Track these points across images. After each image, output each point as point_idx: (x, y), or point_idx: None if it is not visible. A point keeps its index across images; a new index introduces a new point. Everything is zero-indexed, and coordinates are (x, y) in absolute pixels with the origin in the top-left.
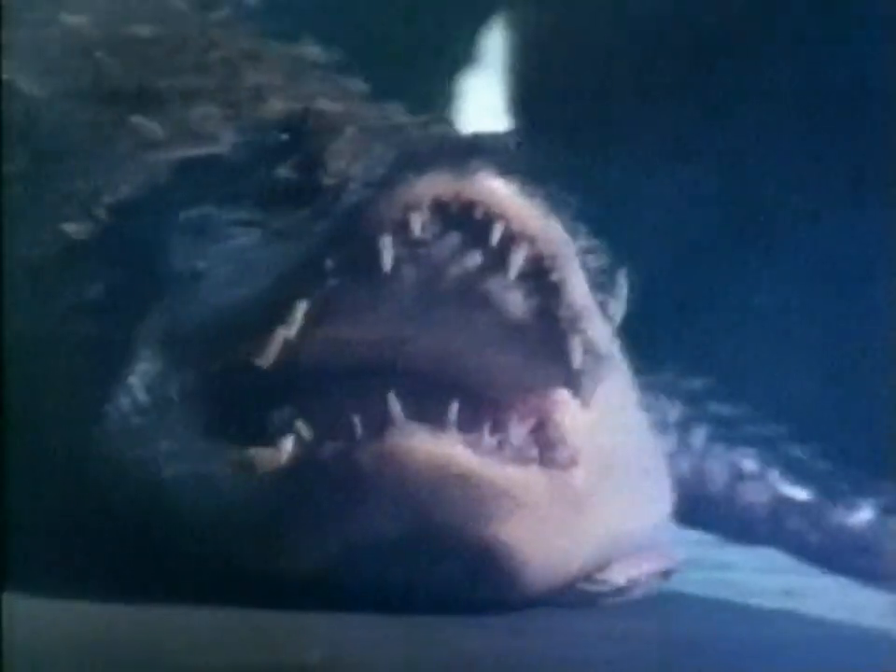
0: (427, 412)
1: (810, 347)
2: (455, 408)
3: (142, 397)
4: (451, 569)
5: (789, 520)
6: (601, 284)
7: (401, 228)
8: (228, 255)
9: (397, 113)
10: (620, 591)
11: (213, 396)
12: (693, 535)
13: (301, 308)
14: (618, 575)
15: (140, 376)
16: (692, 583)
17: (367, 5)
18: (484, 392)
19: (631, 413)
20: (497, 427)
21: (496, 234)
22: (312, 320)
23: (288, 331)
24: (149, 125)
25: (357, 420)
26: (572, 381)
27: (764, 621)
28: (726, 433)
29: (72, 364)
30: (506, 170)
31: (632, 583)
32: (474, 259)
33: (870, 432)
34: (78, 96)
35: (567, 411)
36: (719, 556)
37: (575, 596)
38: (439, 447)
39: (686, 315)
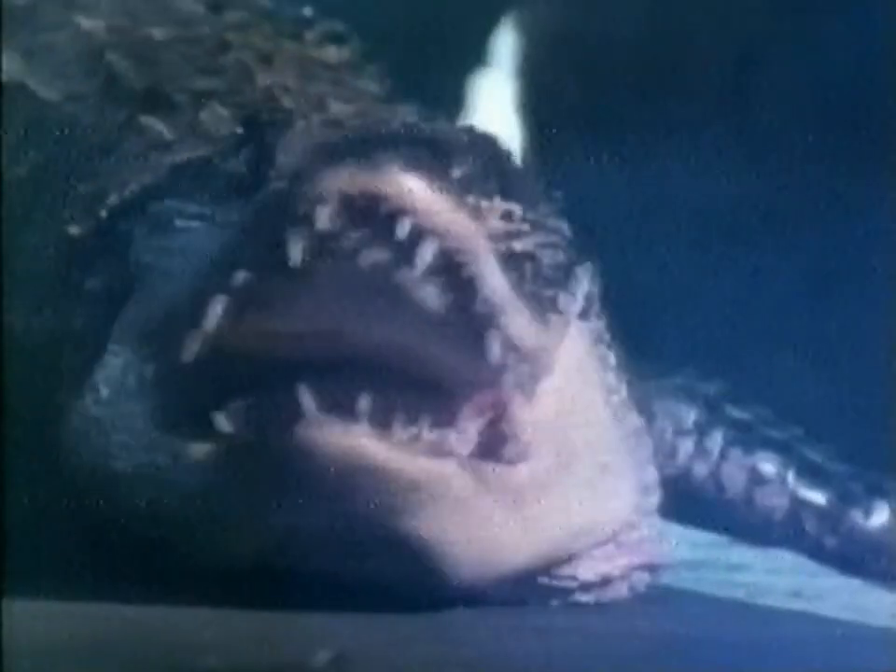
0: (340, 404)
1: (826, 350)
2: (365, 400)
3: (104, 391)
4: (375, 563)
5: (805, 523)
6: (556, 279)
7: (309, 222)
8: (177, 249)
9: (409, 114)
10: (590, 586)
11: (159, 389)
12: (709, 537)
13: (219, 303)
14: (585, 570)
15: (104, 370)
16: (705, 583)
17: (383, 6)
18: (400, 386)
19: (594, 408)
20: (413, 421)
21: (402, 229)
22: (234, 314)
23: (207, 326)
24: (157, 126)
25: (271, 413)
26: (492, 376)
27: (775, 620)
28: (743, 437)
29: (49, 359)
30: (415, 164)
31: (604, 579)
32: (383, 253)
33: (886, 434)
34: (90, 98)
35: (523, 406)
36: (732, 557)
37: (536, 591)
38: (347, 439)
39: (702, 319)
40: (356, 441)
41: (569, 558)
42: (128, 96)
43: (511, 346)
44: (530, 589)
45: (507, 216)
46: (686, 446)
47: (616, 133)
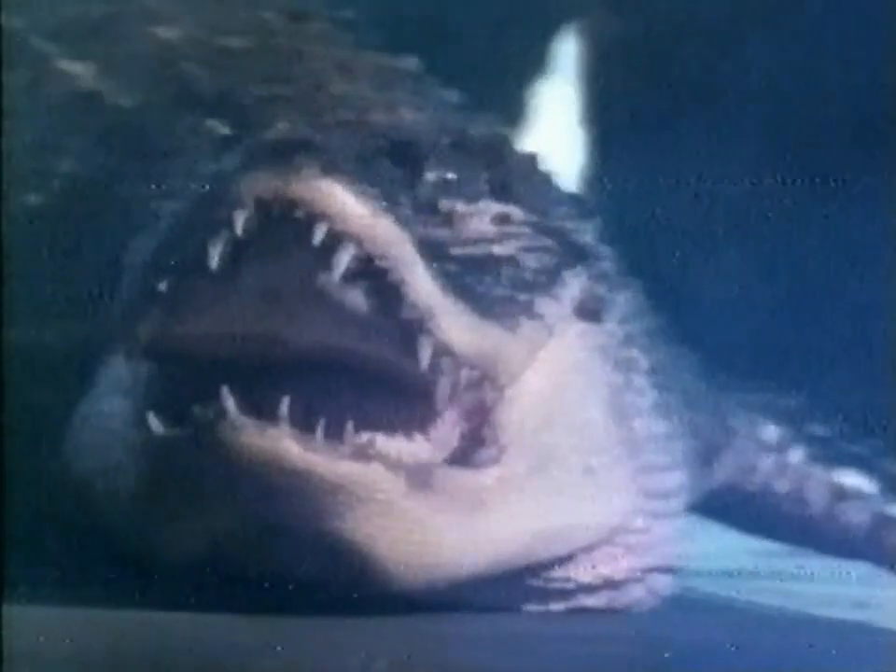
0: (261, 407)
1: None
2: (285, 403)
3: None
4: (303, 564)
5: (887, 536)
6: (537, 283)
7: (228, 226)
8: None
9: (486, 124)
10: (593, 589)
11: (110, 390)
12: (781, 548)
13: (154, 305)
14: (581, 572)
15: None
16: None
17: (461, 19)
18: (328, 390)
19: (588, 411)
20: (337, 425)
21: (318, 234)
22: (167, 316)
23: (144, 328)
24: (220, 128)
25: (196, 414)
26: (425, 381)
27: (834, 630)
28: (823, 452)
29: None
30: (333, 169)
31: (607, 581)
32: (303, 258)
33: None
34: (162, 104)
35: (500, 409)
36: (801, 567)
37: (525, 593)
38: (266, 442)
39: (780, 335)
40: (275, 443)
41: (561, 561)
42: (197, 101)
43: (444, 351)
44: (522, 592)
45: (501, 218)
46: (766, 462)
47: (679, 140)
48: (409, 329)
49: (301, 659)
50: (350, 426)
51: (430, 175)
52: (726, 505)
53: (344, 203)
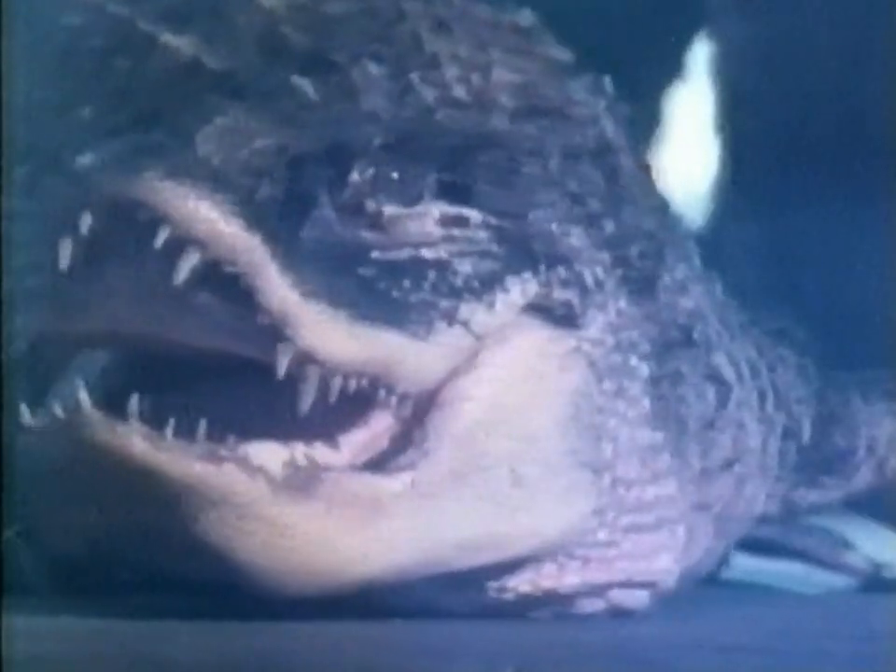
0: (114, 404)
1: None
2: (135, 400)
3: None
4: (174, 568)
5: None
6: (467, 288)
7: (75, 226)
8: None
9: (579, 90)
10: (533, 600)
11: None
12: None
13: (34, 302)
14: (518, 583)
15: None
16: None
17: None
18: (184, 391)
19: (536, 419)
20: (191, 426)
21: (159, 238)
22: (47, 312)
23: (31, 324)
24: (304, 86)
25: (56, 408)
26: (284, 387)
27: None
28: None
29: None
30: (176, 172)
31: (548, 593)
32: (149, 261)
33: None
34: (256, 67)
35: (433, 415)
36: None
37: (470, 603)
38: (116, 439)
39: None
40: (123, 440)
41: (496, 571)
42: (288, 61)
43: (307, 359)
44: (445, 601)
45: (451, 221)
46: None
47: (817, 151)
48: (269, 335)
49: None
50: (203, 426)
51: (355, 176)
52: None
53: (189, 206)
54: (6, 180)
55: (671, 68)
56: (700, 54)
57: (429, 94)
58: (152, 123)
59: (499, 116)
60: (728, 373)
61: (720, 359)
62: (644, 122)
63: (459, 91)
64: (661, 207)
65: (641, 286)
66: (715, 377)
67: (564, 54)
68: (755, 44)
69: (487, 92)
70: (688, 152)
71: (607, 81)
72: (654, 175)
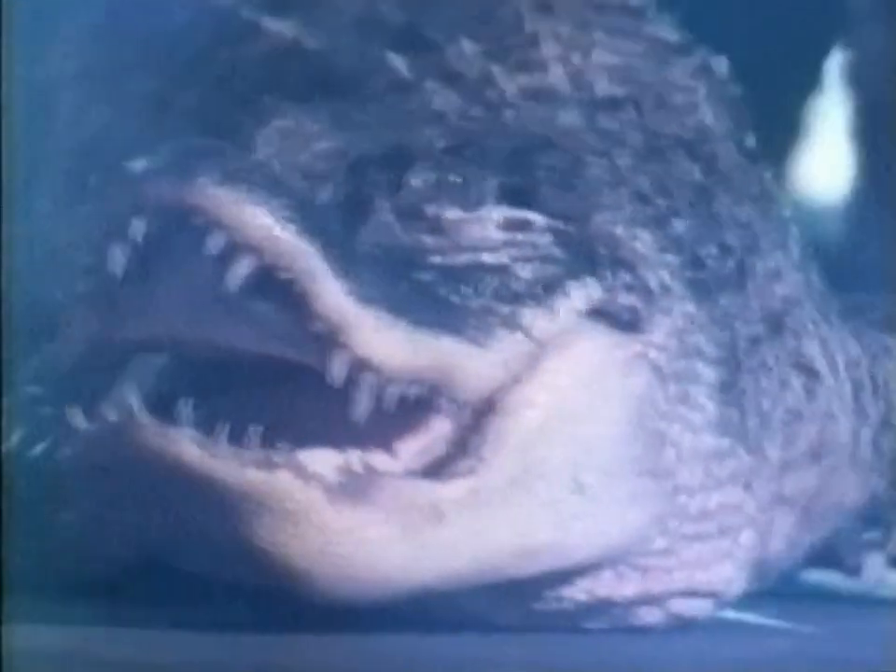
0: (166, 409)
1: None
2: (188, 405)
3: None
4: (230, 574)
5: None
6: (528, 294)
7: (126, 232)
8: None
9: (683, 75)
10: (590, 609)
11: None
12: None
13: (77, 307)
14: (575, 592)
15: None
16: None
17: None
18: (237, 397)
19: (600, 425)
20: (242, 432)
21: (214, 245)
22: (82, 320)
23: (85, 329)
24: (398, 64)
25: (109, 413)
26: (338, 394)
27: None
28: None
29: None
30: (231, 177)
31: (605, 602)
32: (204, 267)
33: None
34: (352, 46)
35: (488, 420)
36: None
37: (525, 612)
38: (168, 444)
39: None
40: (175, 446)
41: (555, 580)
42: (384, 40)
43: (364, 366)
44: (504, 611)
45: (514, 225)
46: None
47: None
48: (324, 342)
49: None
50: (256, 432)
51: (415, 181)
52: None
53: (243, 212)
54: (6, 179)
55: (808, 75)
56: (837, 61)
57: (510, 86)
58: (209, 125)
59: (572, 111)
60: (819, 364)
61: (812, 349)
62: (779, 128)
63: (555, 73)
64: (762, 195)
65: (719, 284)
66: (804, 367)
67: (673, 35)
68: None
69: (584, 74)
70: (824, 159)
71: (717, 62)
72: (757, 160)
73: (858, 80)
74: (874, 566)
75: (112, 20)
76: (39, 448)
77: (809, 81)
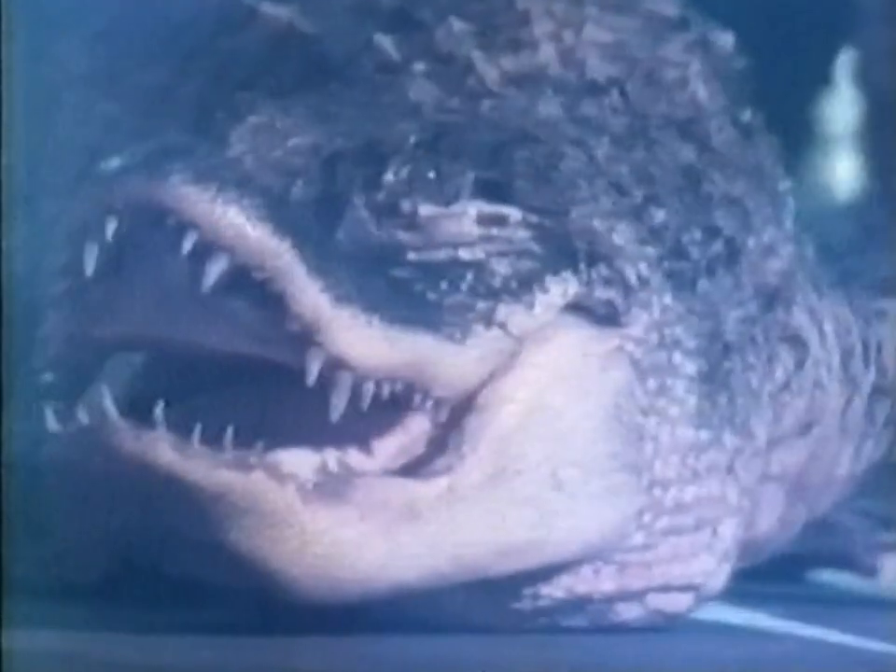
0: (139, 410)
1: None
2: (160, 407)
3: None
4: (209, 576)
5: None
6: (505, 289)
7: (101, 232)
8: None
9: (676, 50)
10: (569, 606)
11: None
12: None
13: (61, 307)
14: (553, 589)
15: None
16: None
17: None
18: (212, 397)
19: (579, 420)
20: (219, 433)
21: (187, 243)
22: (74, 317)
23: (59, 329)
24: (387, 45)
25: (81, 415)
26: (314, 393)
27: None
28: None
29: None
30: (203, 176)
31: (583, 599)
32: (177, 267)
33: None
34: (345, 29)
35: (465, 417)
36: None
37: (503, 611)
38: (142, 446)
39: None
40: (148, 448)
41: (533, 577)
42: (376, 21)
43: (339, 365)
44: (481, 610)
45: (489, 220)
46: None
47: None
48: (299, 340)
49: None
50: (230, 433)
51: (389, 176)
52: None
53: (216, 211)
54: (6, 180)
55: (815, 72)
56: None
57: (491, 73)
58: (182, 124)
59: (553, 98)
60: (808, 333)
61: (800, 320)
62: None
63: (545, 52)
64: (755, 169)
65: (703, 271)
66: (793, 338)
67: (671, 9)
68: None
69: (575, 52)
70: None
71: (719, 36)
72: (752, 134)
73: (864, 79)
74: (891, 567)
75: (107, 16)
76: (22, 450)
77: (816, 80)
